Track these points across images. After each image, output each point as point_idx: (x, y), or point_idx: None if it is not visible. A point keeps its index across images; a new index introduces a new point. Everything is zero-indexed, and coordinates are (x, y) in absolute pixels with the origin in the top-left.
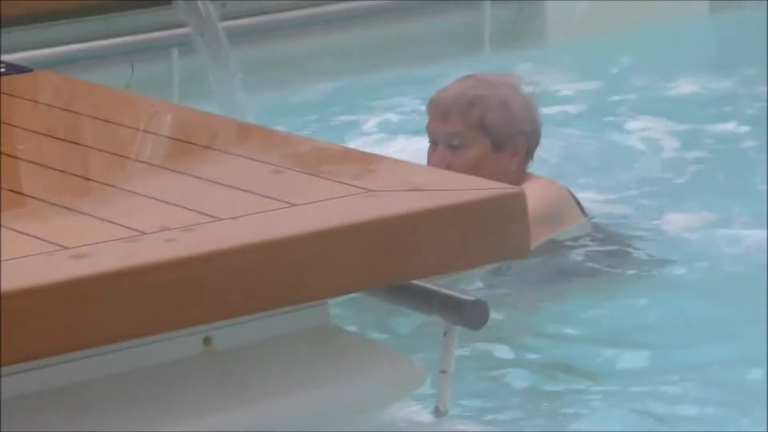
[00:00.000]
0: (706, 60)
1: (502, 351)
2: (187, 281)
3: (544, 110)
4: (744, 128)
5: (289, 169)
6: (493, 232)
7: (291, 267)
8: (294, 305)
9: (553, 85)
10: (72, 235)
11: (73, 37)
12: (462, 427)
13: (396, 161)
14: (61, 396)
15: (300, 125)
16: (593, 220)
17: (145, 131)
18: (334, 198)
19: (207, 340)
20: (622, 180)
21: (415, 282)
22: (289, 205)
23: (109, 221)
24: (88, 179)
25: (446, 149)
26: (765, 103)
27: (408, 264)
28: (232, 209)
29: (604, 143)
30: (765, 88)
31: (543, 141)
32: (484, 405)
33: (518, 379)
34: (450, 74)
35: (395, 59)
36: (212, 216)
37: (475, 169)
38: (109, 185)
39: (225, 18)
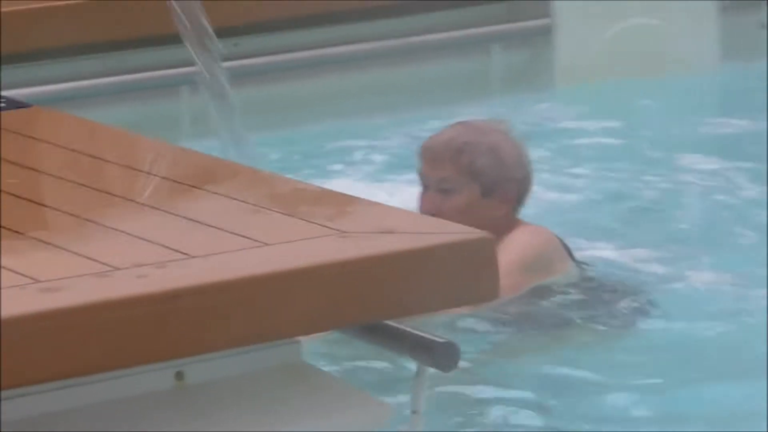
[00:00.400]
0: (717, 107)
1: (480, 392)
2: (156, 317)
3: (549, 152)
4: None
5: (266, 208)
6: (462, 276)
7: (261, 305)
8: (264, 342)
9: (561, 128)
10: (45, 269)
11: (76, 73)
12: None
13: (371, 203)
14: (32, 426)
15: (298, 164)
16: (585, 267)
17: (131, 168)
18: (307, 238)
19: (179, 375)
20: (626, 228)
21: (388, 323)
22: (261, 244)
23: (84, 256)
24: (68, 214)
25: (437, 193)
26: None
27: (377, 305)
28: (205, 247)
29: (610, 189)
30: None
31: (551, 182)
32: None
33: (491, 418)
34: (458, 117)
35: (401, 102)
36: (184, 253)
37: (464, 214)
38: (89, 221)
39: (237, 56)
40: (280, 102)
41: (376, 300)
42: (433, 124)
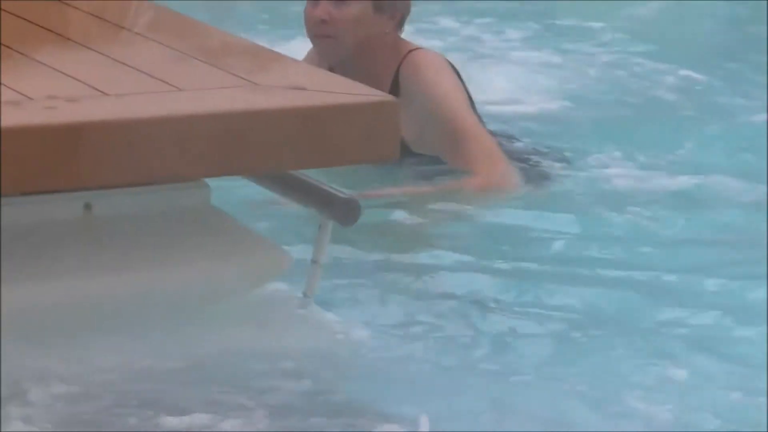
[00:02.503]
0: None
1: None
2: (62, 147)
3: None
4: None
5: (191, 56)
6: (365, 135)
7: (166, 145)
8: (169, 182)
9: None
10: None
11: None
12: (323, 313)
13: (292, 61)
14: None
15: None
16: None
17: (71, 6)
18: (220, 87)
19: (87, 206)
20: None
21: (297, 175)
22: (176, 89)
23: (3, 84)
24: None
25: (329, 2)
26: None
27: (277, 156)
28: (122, 87)
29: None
30: None
31: None
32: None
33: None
34: None
35: None
36: (100, 90)
37: (356, 25)
38: (14, 50)
39: None
40: None
41: (276, 151)
42: None
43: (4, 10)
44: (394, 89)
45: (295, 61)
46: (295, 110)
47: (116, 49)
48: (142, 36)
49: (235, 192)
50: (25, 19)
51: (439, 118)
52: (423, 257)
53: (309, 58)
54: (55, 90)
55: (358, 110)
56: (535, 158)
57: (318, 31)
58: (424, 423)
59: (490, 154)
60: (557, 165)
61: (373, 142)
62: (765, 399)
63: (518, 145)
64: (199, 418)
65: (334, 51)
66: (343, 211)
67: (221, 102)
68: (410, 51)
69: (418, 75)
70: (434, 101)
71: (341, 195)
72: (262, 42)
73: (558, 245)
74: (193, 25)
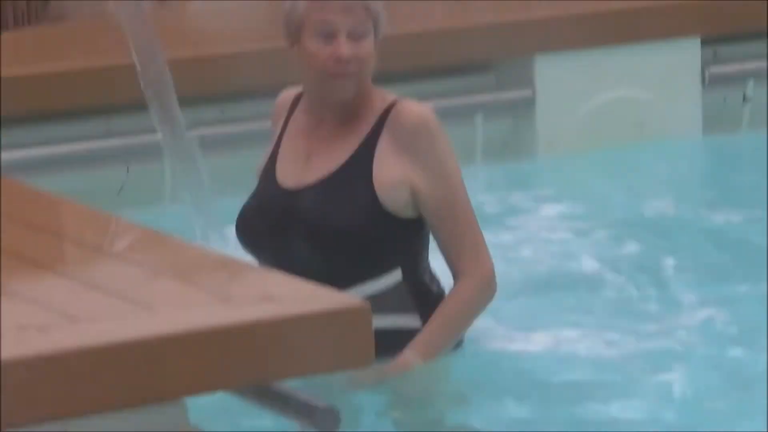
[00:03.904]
0: (697, 178)
1: None
2: (35, 379)
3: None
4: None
5: (163, 274)
6: (339, 342)
7: (142, 368)
8: (146, 404)
9: (543, 199)
10: None
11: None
12: None
13: (260, 271)
14: None
15: None
16: None
17: (43, 231)
18: (193, 304)
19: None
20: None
21: (274, 386)
22: (148, 309)
23: None
24: None
25: (348, 40)
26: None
27: (255, 369)
28: (93, 311)
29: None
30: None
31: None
32: None
33: None
34: None
35: None
36: (72, 317)
37: (371, 61)
38: None
39: (222, 121)
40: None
41: (250, 364)
42: None
43: None
44: (374, 135)
45: (266, 270)
46: (265, 322)
47: (90, 273)
48: (116, 257)
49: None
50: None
51: (434, 191)
52: None
53: (285, 100)
54: (24, 319)
55: (331, 318)
56: None
57: (339, 69)
58: None
59: (479, 252)
60: None
61: (346, 350)
62: None
63: None
64: None
65: (352, 89)
66: (324, 422)
67: (192, 320)
68: (398, 100)
69: (416, 134)
70: (433, 172)
71: (321, 405)
72: None
73: None
74: (167, 241)
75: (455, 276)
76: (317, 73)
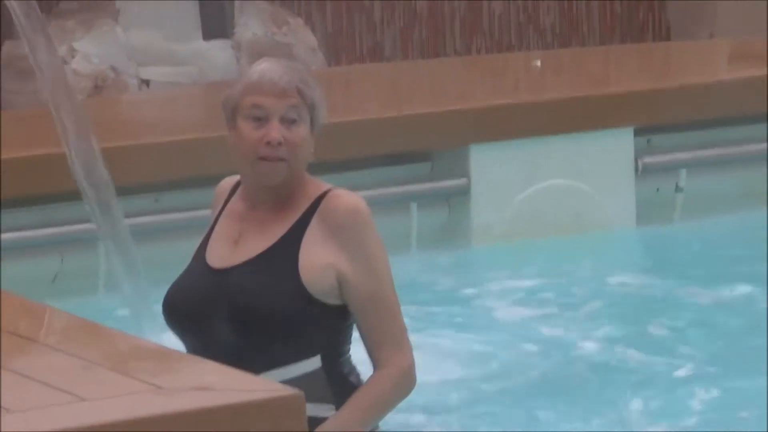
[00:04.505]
0: (632, 267)
1: None
2: None
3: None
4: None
5: (97, 364)
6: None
7: None
8: None
9: (477, 286)
10: None
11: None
12: None
13: (196, 360)
14: None
15: None
16: None
17: None
18: (125, 394)
19: None
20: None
21: None
22: (80, 399)
23: None
24: None
25: (281, 123)
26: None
27: None
28: (25, 402)
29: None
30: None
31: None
32: None
33: None
34: None
35: None
36: (5, 408)
37: (304, 147)
38: None
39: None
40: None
41: None
42: None
43: None
44: (304, 220)
45: (201, 360)
46: (199, 412)
47: (24, 363)
48: (50, 347)
49: None
50: None
51: (360, 281)
52: None
53: (224, 186)
54: None
55: (264, 407)
56: None
57: (270, 153)
58: None
59: (401, 344)
60: None
61: None
62: None
63: None
64: None
65: (282, 173)
66: None
67: (124, 409)
68: (332, 189)
69: (346, 223)
70: (360, 262)
71: None
72: None
73: None
74: (101, 331)
75: (374, 365)
76: (249, 155)
